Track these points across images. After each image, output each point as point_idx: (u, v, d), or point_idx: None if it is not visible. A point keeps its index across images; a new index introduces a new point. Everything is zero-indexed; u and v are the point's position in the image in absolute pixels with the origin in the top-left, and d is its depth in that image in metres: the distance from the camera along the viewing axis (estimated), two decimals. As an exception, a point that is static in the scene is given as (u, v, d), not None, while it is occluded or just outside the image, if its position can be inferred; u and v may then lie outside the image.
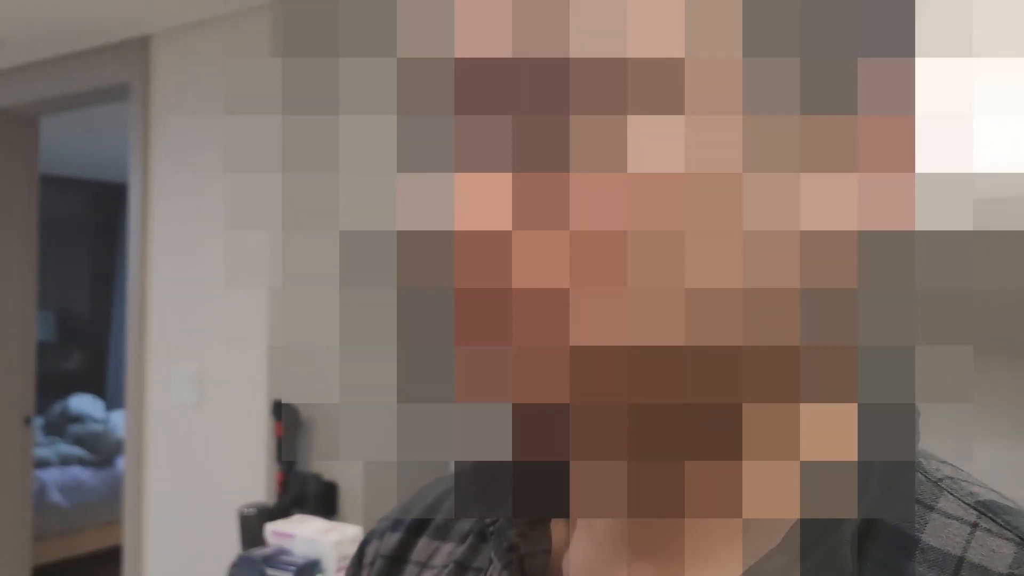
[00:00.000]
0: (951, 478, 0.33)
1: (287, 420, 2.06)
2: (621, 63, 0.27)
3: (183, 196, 2.53)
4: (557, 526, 0.39)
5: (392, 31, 0.30)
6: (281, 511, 1.97)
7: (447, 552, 0.42)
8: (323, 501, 2.03)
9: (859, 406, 0.33)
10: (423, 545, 0.43)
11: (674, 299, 0.27)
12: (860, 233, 0.29)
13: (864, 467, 0.32)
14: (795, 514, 0.32)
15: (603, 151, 0.27)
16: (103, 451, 4.94)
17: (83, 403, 5.27)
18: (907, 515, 0.31)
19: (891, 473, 0.32)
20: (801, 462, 0.32)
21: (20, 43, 2.80)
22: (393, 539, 0.44)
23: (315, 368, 0.38)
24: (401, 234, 0.30)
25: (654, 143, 0.27)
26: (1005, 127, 0.95)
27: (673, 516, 0.33)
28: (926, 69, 0.35)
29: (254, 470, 2.29)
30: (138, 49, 2.64)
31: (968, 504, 0.32)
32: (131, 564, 2.63)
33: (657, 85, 0.27)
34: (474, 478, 0.41)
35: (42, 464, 4.48)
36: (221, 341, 2.42)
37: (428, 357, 0.29)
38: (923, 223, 0.32)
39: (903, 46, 0.30)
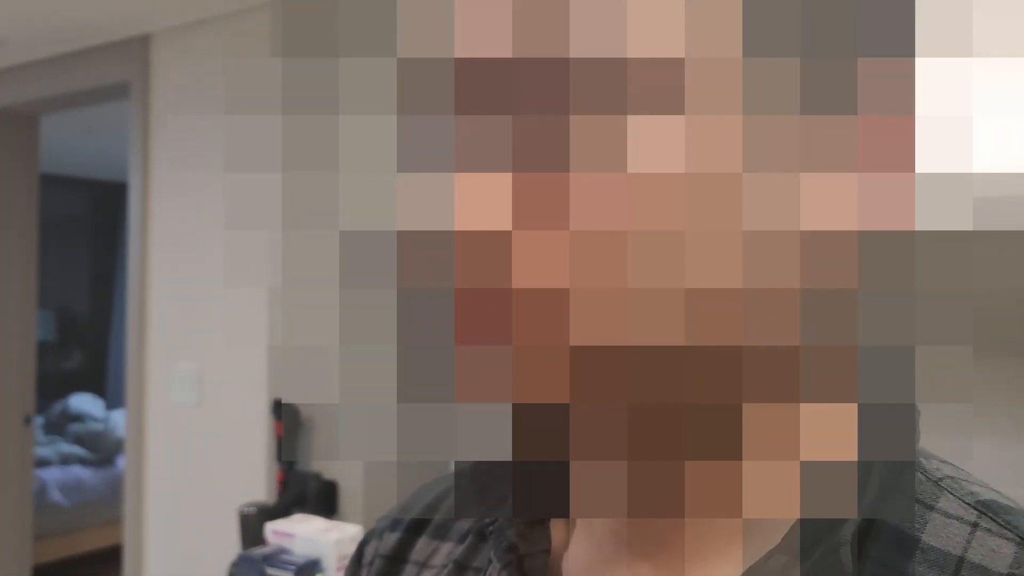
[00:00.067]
0: (951, 478, 0.33)
1: (287, 420, 2.06)
2: (621, 63, 0.27)
3: (183, 196, 2.53)
4: (557, 526, 0.38)
5: (392, 31, 0.30)
6: (281, 510, 1.97)
7: (446, 552, 0.42)
8: (323, 500, 2.03)
9: (859, 406, 0.33)
10: (422, 545, 0.43)
11: (674, 299, 0.27)
12: (860, 233, 0.29)
13: (864, 467, 0.32)
14: (795, 514, 0.32)
15: (603, 151, 0.27)
16: (103, 450, 4.94)
17: (83, 402, 5.27)
18: (907, 515, 0.31)
19: (891, 473, 0.32)
20: (801, 462, 0.32)
21: (20, 42, 2.80)
22: (392, 539, 0.44)
23: (315, 368, 0.38)
24: (401, 234, 0.30)
25: (654, 143, 0.27)
26: (1005, 127, 0.95)
27: (673, 516, 0.33)
28: (926, 69, 0.35)
29: (254, 469, 2.29)
30: (138, 48, 2.64)
31: (968, 504, 0.32)
32: (131, 563, 2.63)
33: (657, 85, 0.27)
34: (474, 478, 0.41)
35: (42, 463, 4.48)
36: (221, 341, 2.42)
37: (428, 357, 0.29)
38: (923, 223, 0.32)
39: (903, 46, 0.29)
